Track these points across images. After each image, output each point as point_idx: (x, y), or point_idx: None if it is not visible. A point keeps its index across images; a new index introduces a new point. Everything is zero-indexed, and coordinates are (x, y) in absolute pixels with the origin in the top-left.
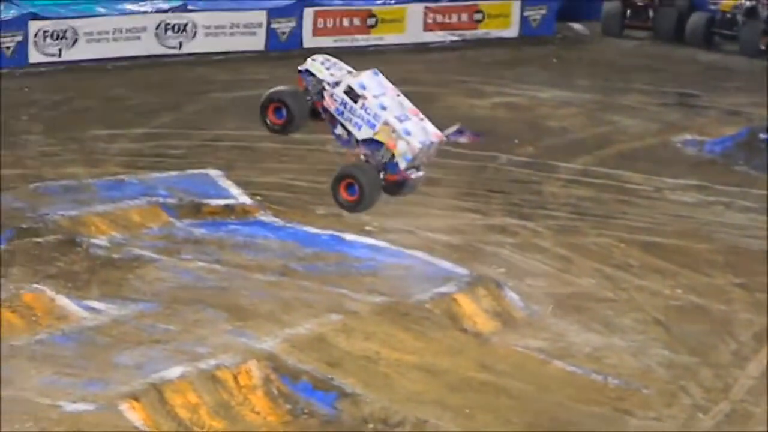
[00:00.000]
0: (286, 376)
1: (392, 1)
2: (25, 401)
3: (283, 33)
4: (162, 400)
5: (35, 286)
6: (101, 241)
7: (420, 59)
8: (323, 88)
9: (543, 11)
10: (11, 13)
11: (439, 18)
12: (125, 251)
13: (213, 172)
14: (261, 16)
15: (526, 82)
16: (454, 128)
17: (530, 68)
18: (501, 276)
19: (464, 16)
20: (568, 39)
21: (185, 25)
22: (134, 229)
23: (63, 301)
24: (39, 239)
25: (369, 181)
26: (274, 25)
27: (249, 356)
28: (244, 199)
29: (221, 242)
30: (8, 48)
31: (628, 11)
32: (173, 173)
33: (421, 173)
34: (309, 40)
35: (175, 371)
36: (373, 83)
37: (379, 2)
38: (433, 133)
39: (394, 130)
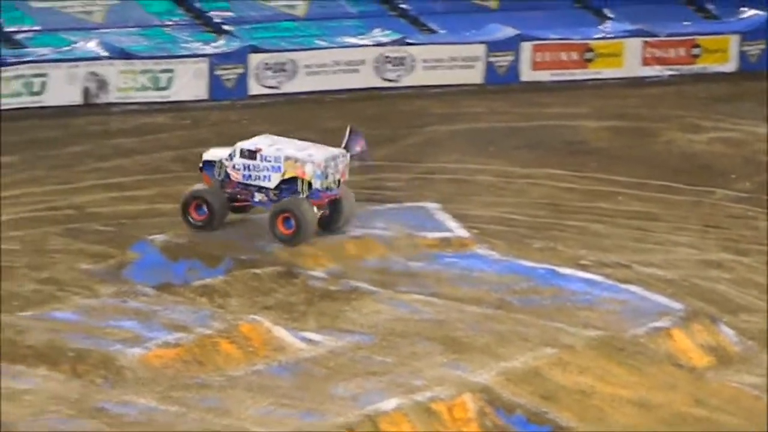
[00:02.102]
0: (500, 408)
1: (611, 36)
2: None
3: (501, 66)
4: (377, 431)
5: (253, 317)
6: (318, 273)
7: (637, 94)
8: (226, 169)
9: (762, 46)
10: (233, 45)
11: (657, 53)
12: (342, 283)
13: (430, 205)
14: (479, 50)
15: (744, 117)
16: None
17: (748, 103)
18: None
19: (682, 51)
20: None
21: (403, 59)
22: (351, 261)
23: (280, 332)
24: (257, 271)
25: (304, 212)
26: (492, 59)
27: (464, 389)
28: (461, 233)
29: (437, 275)
30: (229, 80)
31: None
32: (390, 206)
33: (338, 191)
34: (527, 74)
35: (390, 403)
36: (263, 139)
37: (597, 36)
38: (336, 151)
39: (297, 159)
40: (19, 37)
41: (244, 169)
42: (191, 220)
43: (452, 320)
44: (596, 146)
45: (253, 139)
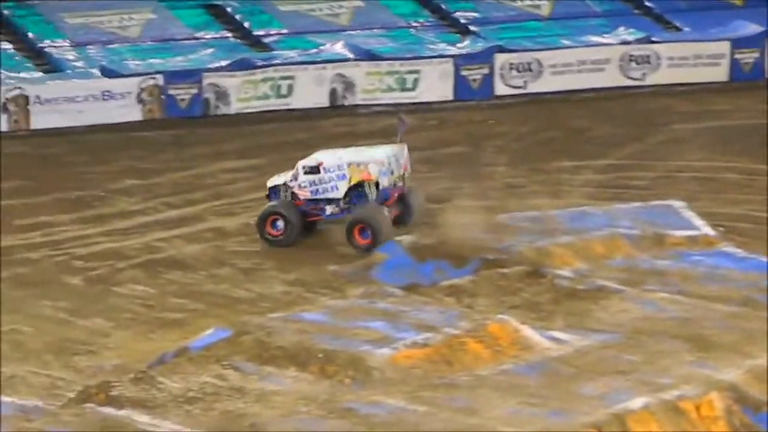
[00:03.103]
0: (748, 407)
1: None
2: (489, 431)
3: (746, 63)
4: (625, 430)
5: (500, 316)
6: (565, 272)
7: None
8: (290, 190)
9: None
10: (478, 46)
11: None
12: (589, 282)
13: (676, 204)
14: (724, 47)
15: None
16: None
17: None
18: None
19: None
20: None
21: (648, 57)
22: (597, 260)
23: (527, 331)
24: (504, 270)
25: (379, 220)
26: (737, 56)
27: (711, 387)
28: (707, 230)
29: (684, 273)
30: (474, 80)
31: None
32: (636, 204)
33: (402, 185)
34: None
35: (637, 402)
36: (324, 155)
37: None
38: (395, 147)
39: (359, 163)
40: (267, 40)
41: (311, 185)
42: (268, 236)
43: (698, 318)
44: None
45: (312, 155)
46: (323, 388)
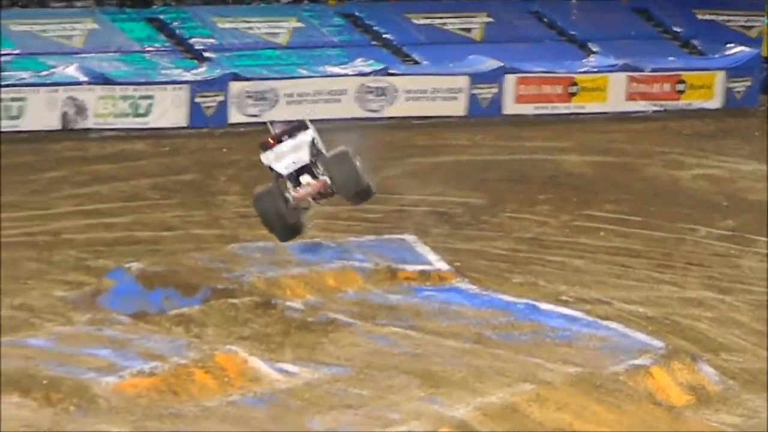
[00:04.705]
0: None
1: (595, 70)
2: None
3: (484, 99)
4: None
5: (229, 347)
6: (296, 303)
7: (621, 129)
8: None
9: (747, 83)
10: (214, 73)
11: (642, 88)
12: (320, 315)
13: (410, 238)
14: (463, 82)
15: (728, 155)
16: None
17: (732, 140)
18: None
19: (667, 87)
20: None
21: (386, 89)
22: (329, 292)
23: (256, 363)
24: (234, 300)
25: None
26: (475, 91)
27: (440, 423)
28: (441, 266)
29: (416, 308)
30: (209, 108)
31: None
32: (369, 237)
33: None
34: (510, 107)
35: None
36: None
37: (581, 70)
38: None
39: None
40: None
41: None
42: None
43: (430, 354)
44: (578, 180)
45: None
46: (47, 416)
